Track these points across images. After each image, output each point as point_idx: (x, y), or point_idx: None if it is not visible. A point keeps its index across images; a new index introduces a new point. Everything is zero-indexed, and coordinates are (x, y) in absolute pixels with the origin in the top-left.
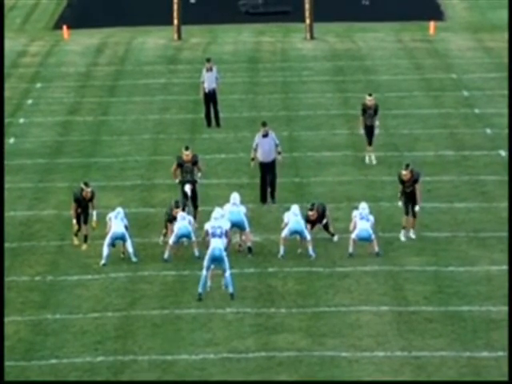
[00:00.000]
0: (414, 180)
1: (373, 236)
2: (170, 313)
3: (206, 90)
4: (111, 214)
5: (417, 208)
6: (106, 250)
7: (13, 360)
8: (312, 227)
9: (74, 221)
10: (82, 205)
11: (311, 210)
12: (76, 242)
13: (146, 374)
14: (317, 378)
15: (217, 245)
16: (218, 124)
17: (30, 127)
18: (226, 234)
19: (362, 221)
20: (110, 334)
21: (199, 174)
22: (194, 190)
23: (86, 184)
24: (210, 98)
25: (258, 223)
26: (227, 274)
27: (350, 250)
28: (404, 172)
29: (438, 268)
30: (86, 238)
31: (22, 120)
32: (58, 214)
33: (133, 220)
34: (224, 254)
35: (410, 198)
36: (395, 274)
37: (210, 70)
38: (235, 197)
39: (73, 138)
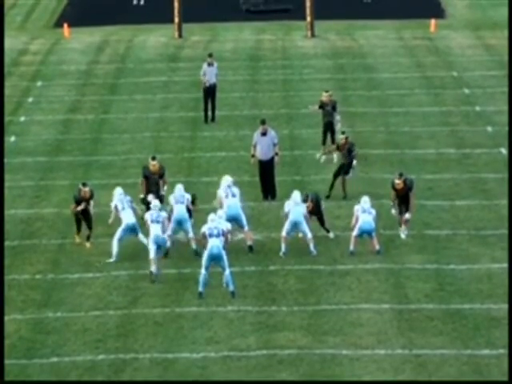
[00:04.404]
0: (408, 189)
1: (374, 232)
2: (171, 311)
3: (207, 85)
4: (117, 202)
5: (407, 215)
6: (115, 247)
7: (14, 358)
8: (310, 217)
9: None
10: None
11: (305, 201)
12: (78, 240)
13: (147, 372)
14: (318, 377)
15: (215, 243)
16: (213, 119)
17: (31, 125)
18: (224, 234)
19: (364, 214)
20: (111, 332)
21: (165, 188)
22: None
23: (84, 184)
24: (210, 92)
25: (259, 221)
26: (227, 272)
27: (351, 247)
28: (397, 181)
29: (438, 266)
30: (88, 237)
31: (22, 118)
32: (58, 213)
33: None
34: (223, 252)
35: (403, 200)
36: (396, 272)
37: (211, 64)
38: (227, 179)
39: (74, 136)
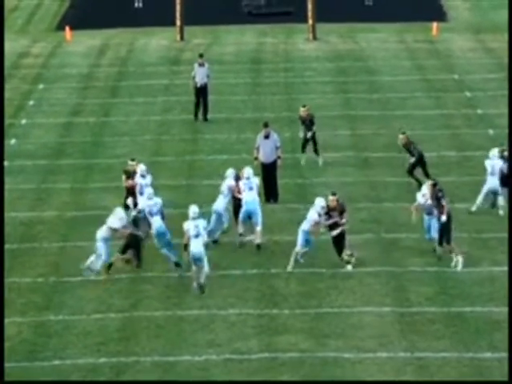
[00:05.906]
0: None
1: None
2: (172, 314)
3: (198, 85)
4: None
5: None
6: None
7: (15, 361)
8: (330, 217)
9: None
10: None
11: (332, 195)
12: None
13: (148, 374)
14: (319, 379)
15: (159, 222)
16: (205, 119)
17: (32, 128)
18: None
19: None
20: (112, 335)
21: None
22: (135, 204)
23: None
24: (201, 92)
25: (262, 224)
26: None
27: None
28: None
29: (440, 269)
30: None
31: (23, 121)
32: (59, 215)
33: None
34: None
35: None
36: (398, 275)
37: (202, 65)
38: (248, 171)
39: (75, 139)
